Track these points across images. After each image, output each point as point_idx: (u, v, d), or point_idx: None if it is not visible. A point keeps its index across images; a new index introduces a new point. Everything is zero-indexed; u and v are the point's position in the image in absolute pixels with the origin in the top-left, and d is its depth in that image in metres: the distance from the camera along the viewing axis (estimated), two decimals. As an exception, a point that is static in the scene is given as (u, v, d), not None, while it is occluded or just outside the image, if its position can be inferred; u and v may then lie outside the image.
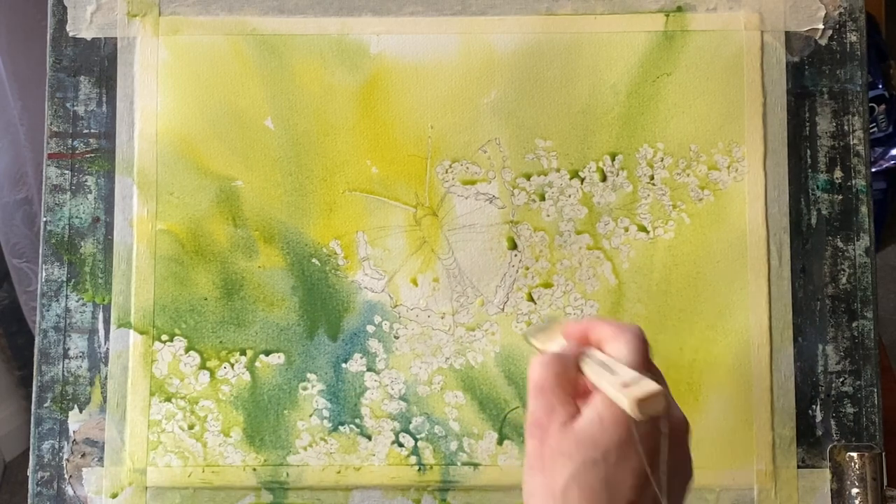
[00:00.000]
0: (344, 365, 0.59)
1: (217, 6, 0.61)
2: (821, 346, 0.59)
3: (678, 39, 0.60)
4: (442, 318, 0.59)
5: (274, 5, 0.61)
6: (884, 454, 0.58)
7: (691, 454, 0.43)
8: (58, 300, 0.60)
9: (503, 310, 0.59)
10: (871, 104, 1.12)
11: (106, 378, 0.59)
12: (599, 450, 0.39)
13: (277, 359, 0.59)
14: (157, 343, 0.59)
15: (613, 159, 0.60)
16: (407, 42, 0.60)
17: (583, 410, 0.41)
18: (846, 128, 0.60)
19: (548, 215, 0.60)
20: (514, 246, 0.59)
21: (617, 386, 0.39)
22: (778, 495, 0.58)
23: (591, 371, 0.42)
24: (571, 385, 0.42)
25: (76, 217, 0.60)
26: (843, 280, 0.59)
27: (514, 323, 0.59)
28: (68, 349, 0.59)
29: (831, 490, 0.58)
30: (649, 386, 0.39)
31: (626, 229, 0.59)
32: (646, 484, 0.39)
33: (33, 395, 0.59)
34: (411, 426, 0.59)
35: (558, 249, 0.59)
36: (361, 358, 0.59)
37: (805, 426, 0.59)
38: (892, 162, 1.16)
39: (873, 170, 1.13)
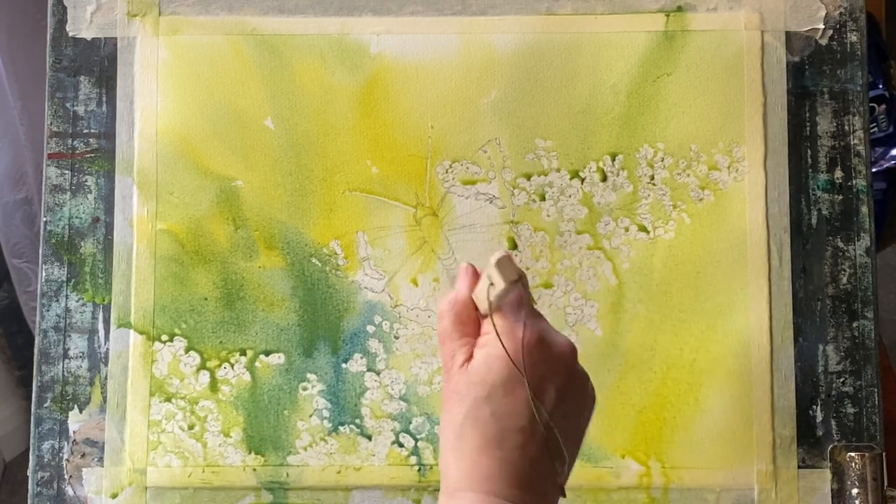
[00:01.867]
0: (344, 365, 0.59)
1: (217, 6, 0.61)
2: (821, 346, 0.59)
3: (678, 39, 0.60)
4: (442, 318, 0.59)
5: (274, 5, 0.61)
6: (884, 454, 0.58)
7: (587, 375, 0.45)
8: (58, 300, 0.60)
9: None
10: (871, 104, 1.12)
11: (106, 378, 0.59)
12: (486, 387, 0.42)
13: (277, 359, 0.59)
14: (157, 343, 0.59)
15: (614, 159, 0.60)
16: (407, 42, 0.60)
17: (475, 350, 0.44)
18: (846, 128, 0.60)
19: (548, 215, 0.60)
20: (514, 246, 0.59)
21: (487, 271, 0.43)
22: (778, 495, 0.58)
23: (476, 296, 0.45)
24: (469, 325, 0.45)
25: (76, 217, 0.60)
26: (844, 280, 0.59)
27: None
28: (68, 349, 0.59)
29: (832, 490, 0.58)
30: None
31: (627, 229, 0.59)
32: (538, 409, 0.42)
33: (33, 395, 0.59)
34: (411, 426, 0.59)
35: (558, 249, 0.59)
36: (361, 358, 0.59)
37: (805, 426, 0.59)
38: (893, 162, 1.15)
39: (873, 170, 1.13)
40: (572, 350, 0.44)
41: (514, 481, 0.41)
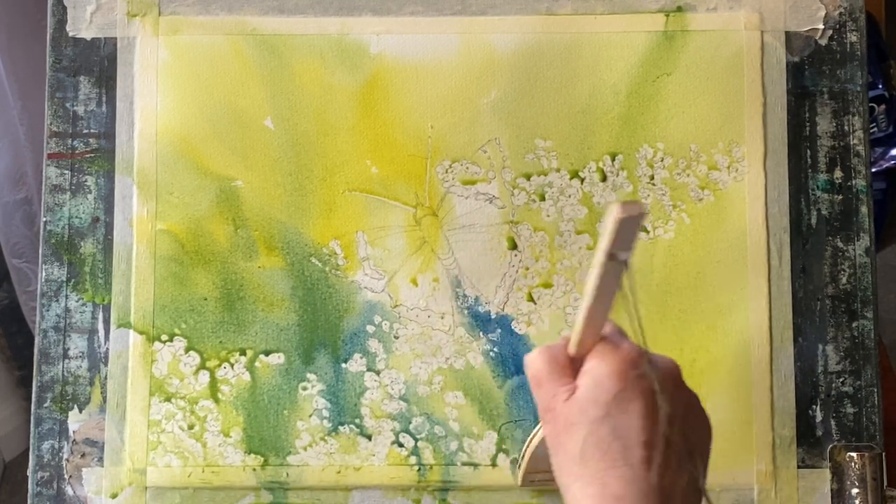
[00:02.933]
0: (344, 365, 0.59)
1: (217, 6, 0.61)
2: (821, 346, 0.59)
3: (678, 39, 0.60)
4: (442, 318, 0.59)
5: (274, 5, 0.61)
6: (884, 454, 0.58)
7: (696, 395, 0.45)
8: (58, 300, 0.60)
9: (503, 310, 0.59)
10: (871, 104, 1.12)
11: (106, 378, 0.59)
12: (601, 407, 0.41)
13: (277, 359, 0.59)
14: (156, 343, 0.59)
15: (613, 159, 0.60)
16: (407, 42, 0.60)
17: (578, 381, 0.43)
18: (846, 128, 0.60)
19: (548, 215, 0.60)
20: (514, 246, 0.59)
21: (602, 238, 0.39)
22: (778, 495, 0.58)
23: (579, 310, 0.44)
24: (566, 368, 0.44)
25: (76, 217, 0.60)
26: (843, 280, 0.59)
27: (513, 323, 0.59)
28: (68, 349, 0.59)
29: (831, 490, 0.58)
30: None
31: (626, 229, 0.59)
32: (655, 421, 0.41)
33: (33, 395, 0.59)
34: (411, 426, 0.59)
35: (558, 249, 0.59)
36: (361, 358, 0.59)
37: (805, 426, 0.59)
38: (892, 162, 1.15)
39: (873, 170, 1.13)
40: (677, 366, 0.44)
41: (646, 498, 0.40)
